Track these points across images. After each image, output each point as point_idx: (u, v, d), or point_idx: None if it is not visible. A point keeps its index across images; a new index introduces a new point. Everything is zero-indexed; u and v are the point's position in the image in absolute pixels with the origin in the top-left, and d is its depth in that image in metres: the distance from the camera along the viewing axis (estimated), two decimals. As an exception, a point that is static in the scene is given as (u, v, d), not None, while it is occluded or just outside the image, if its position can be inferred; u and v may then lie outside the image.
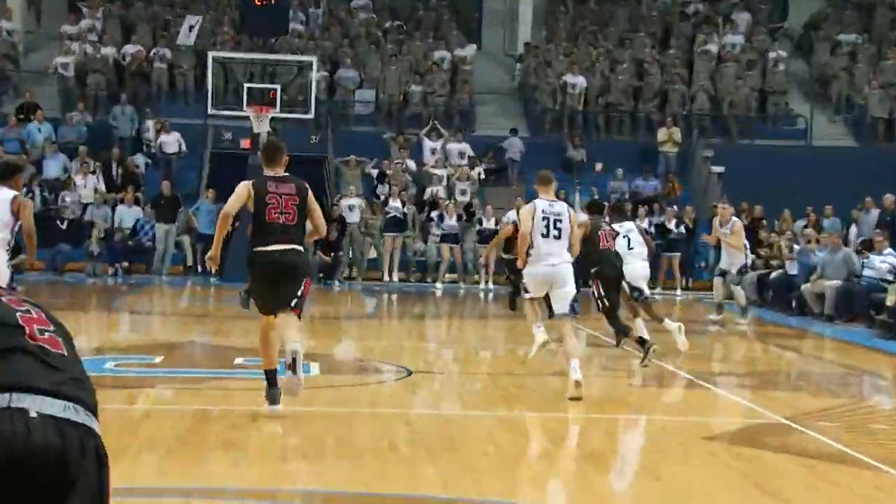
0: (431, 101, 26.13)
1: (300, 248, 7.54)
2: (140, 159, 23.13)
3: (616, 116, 26.60)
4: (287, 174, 7.63)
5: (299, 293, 7.42)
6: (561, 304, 8.83)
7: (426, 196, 22.81)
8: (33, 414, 2.12)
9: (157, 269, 20.94)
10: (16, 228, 9.08)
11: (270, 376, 7.58)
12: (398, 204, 21.43)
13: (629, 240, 11.46)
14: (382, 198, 22.19)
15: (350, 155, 23.12)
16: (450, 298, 19.41)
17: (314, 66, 21.73)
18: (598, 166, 25.19)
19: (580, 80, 26.12)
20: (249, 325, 13.62)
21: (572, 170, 25.13)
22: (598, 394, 9.09)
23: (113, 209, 21.61)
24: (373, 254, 22.05)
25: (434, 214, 21.69)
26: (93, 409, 2.28)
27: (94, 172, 22.20)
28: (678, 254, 21.55)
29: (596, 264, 10.65)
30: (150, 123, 23.80)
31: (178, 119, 24.17)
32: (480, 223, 21.75)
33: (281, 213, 7.43)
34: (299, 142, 23.80)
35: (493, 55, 29.27)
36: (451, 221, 21.24)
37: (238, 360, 10.22)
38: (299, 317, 7.44)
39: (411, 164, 23.47)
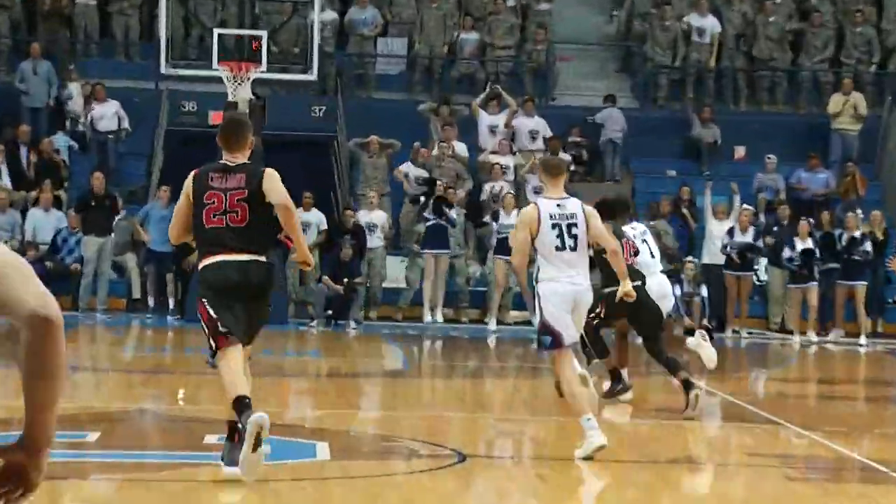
0: (491, 55, 26.30)
1: (261, 258, 8.28)
2: (61, 140, 23.48)
3: (765, 77, 26.62)
4: (245, 162, 8.30)
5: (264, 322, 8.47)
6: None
7: (483, 196, 22.93)
8: None
9: (87, 301, 21.24)
10: None
11: (233, 429, 8.31)
12: (511, 219, 21.44)
13: (648, 245, 12.25)
14: (419, 200, 22.32)
15: (370, 135, 23.28)
16: (514, 344, 19.47)
17: (317, 3, 21.93)
18: (740, 151, 25.21)
19: (710, 24, 26.19)
20: (220, 385, 13.83)
21: (700, 156, 25.17)
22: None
23: (23, 214, 21.91)
24: (402, 281, 22.22)
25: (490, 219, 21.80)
26: None
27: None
28: (863, 283, 21.51)
29: (608, 284, 11.53)
30: (74, 87, 24.11)
31: (117, 81, 24.52)
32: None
33: (224, 214, 8.13)
34: (296, 115, 24.13)
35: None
36: (510, 220, 21.27)
37: (210, 439, 10.35)
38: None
39: (461, 149, 23.62)
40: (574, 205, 9.57)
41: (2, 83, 24.82)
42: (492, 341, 20.22)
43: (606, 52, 28.04)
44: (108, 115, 23.74)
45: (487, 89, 24.83)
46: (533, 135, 24.24)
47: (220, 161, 8.32)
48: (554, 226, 9.39)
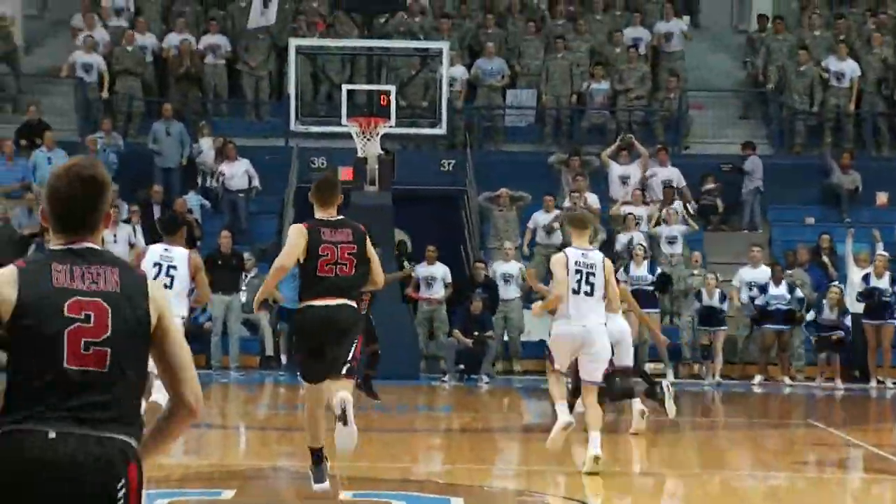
0: (622, 103, 26.25)
1: (353, 303, 9.51)
2: (193, 200, 23.80)
3: (911, 120, 26.25)
4: (342, 217, 9.58)
5: (349, 357, 9.50)
6: (589, 371, 11.26)
7: (617, 247, 22.80)
8: None
9: (219, 359, 21.48)
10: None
11: (316, 455, 9.79)
12: (641, 271, 21.36)
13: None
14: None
15: (500, 188, 23.30)
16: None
17: (445, 57, 22.05)
18: (882, 198, 24.82)
19: (850, 68, 25.89)
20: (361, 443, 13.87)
21: (840, 203, 24.84)
22: None
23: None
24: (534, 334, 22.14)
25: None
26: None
27: (127, 221, 22.97)
28: None
29: None
30: (205, 143, 24.45)
31: (247, 140, 24.83)
32: (699, 295, 21.63)
33: (335, 265, 9.40)
34: (425, 169, 24.25)
35: (714, 33, 29.29)
36: (640, 272, 21.14)
37: (345, 495, 10.38)
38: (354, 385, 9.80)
39: (593, 200, 23.55)
40: (597, 256, 11.23)
41: (136, 145, 25.23)
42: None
43: (738, 99, 27.83)
44: (238, 173, 24.08)
45: (619, 139, 24.76)
46: (667, 184, 24.10)
47: (324, 217, 9.56)
48: (577, 271, 10.99)
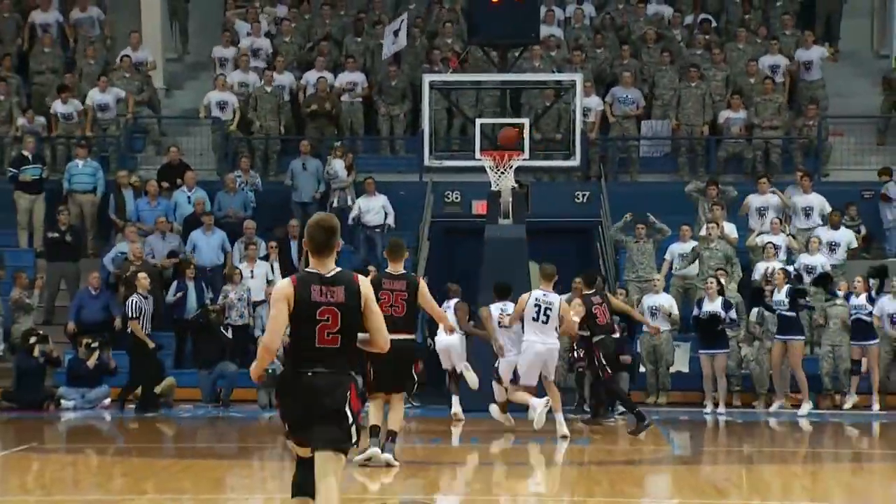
0: (759, 132, 26.01)
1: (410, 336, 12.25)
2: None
3: None
4: (404, 272, 11.70)
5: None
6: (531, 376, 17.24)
7: (755, 276, 22.53)
8: None
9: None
10: None
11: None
12: (714, 307, 21.12)
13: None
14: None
15: (634, 219, 23.10)
16: (791, 428, 19.10)
17: (578, 88, 22.00)
18: None
19: None
20: (492, 474, 13.86)
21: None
22: None
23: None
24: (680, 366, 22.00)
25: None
26: None
27: (265, 258, 23.27)
28: None
29: (594, 335, 18.22)
30: (338, 164, 24.61)
31: (383, 175, 25.03)
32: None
33: (391, 307, 12.11)
34: (560, 201, 24.24)
35: (853, 58, 28.91)
36: (779, 296, 20.82)
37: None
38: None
39: (730, 229, 23.33)
40: (555, 297, 17.18)
41: (272, 183, 25.52)
42: (769, 425, 19.81)
43: (880, 125, 27.37)
44: (375, 208, 24.25)
45: (757, 169, 24.51)
46: (807, 212, 23.80)
47: (386, 270, 12.71)
48: (536, 305, 17.03)
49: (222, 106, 26.26)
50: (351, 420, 8.11)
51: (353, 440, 8.15)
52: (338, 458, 8.09)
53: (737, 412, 21.02)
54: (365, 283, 8.25)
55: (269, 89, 26.37)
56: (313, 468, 8.11)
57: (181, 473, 14.47)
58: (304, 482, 8.22)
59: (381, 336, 8.25)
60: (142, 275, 21.10)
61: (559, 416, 17.02)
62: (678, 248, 22.92)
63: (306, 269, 8.28)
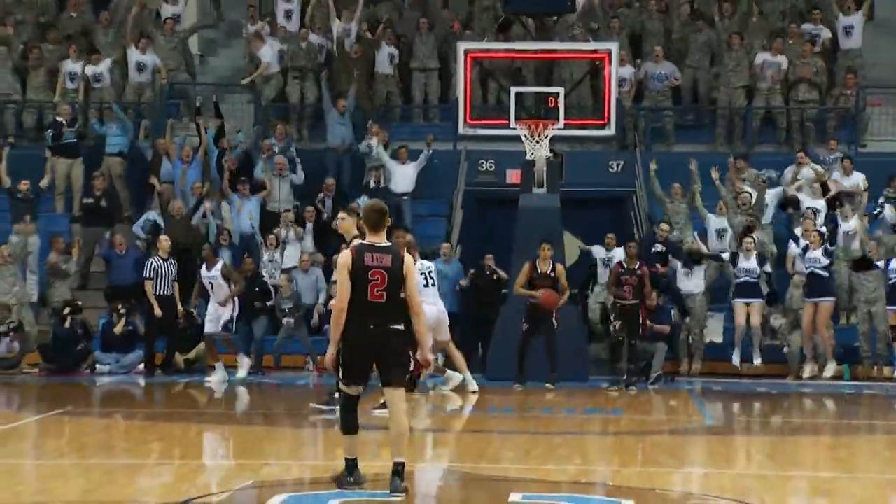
0: (796, 94, 25.75)
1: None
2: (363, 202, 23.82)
3: None
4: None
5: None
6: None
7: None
8: None
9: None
10: None
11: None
12: (750, 263, 21.04)
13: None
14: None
15: (673, 183, 22.98)
16: (831, 400, 19.05)
17: (614, 58, 21.87)
18: None
19: None
20: (525, 443, 13.86)
21: None
22: None
23: (327, 274, 22.40)
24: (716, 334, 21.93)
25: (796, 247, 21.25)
26: None
27: (301, 223, 23.19)
28: None
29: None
30: (374, 141, 24.62)
31: (416, 143, 24.86)
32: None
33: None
34: (594, 171, 24.15)
35: (889, 27, 28.58)
36: (815, 253, 20.69)
37: (514, 497, 10.38)
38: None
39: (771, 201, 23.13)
40: (432, 263, 18.26)
41: (308, 152, 25.37)
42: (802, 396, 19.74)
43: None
44: (405, 175, 24.12)
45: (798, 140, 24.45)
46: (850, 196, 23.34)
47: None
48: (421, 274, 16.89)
49: (257, 63, 26.23)
50: (407, 360, 10.51)
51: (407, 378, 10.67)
52: (401, 392, 10.29)
53: (767, 382, 20.95)
54: (408, 257, 10.34)
55: (304, 45, 26.28)
56: (357, 409, 10.39)
57: (214, 439, 14.52)
58: (353, 422, 10.39)
59: (415, 299, 10.33)
60: (163, 237, 21.19)
61: (467, 375, 18.42)
62: (715, 221, 22.69)
63: (363, 242, 10.36)
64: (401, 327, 10.26)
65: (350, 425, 10.43)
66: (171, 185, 24.03)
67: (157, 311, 20.63)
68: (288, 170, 23.98)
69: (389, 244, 10.31)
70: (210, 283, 20.04)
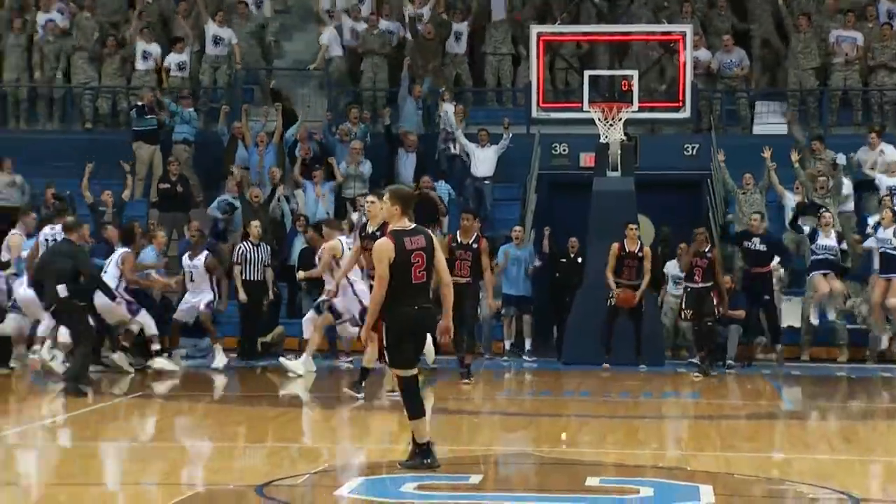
0: (878, 80, 25.45)
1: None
2: (442, 189, 23.86)
3: None
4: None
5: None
6: None
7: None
8: None
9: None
10: None
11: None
12: (829, 241, 20.77)
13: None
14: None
15: (745, 172, 22.75)
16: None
17: (688, 40, 21.73)
18: None
19: None
20: (601, 427, 13.84)
21: None
22: None
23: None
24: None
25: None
26: None
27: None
28: None
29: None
30: (449, 107, 24.44)
31: (489, 127, 24.77)
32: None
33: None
34: (669, 154, 23.99)
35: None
36: (886, 233, 20.45)
37: (591, 482, 10.36)
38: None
39: (847, 184, 22.88)
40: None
41: (377, 135, 25.43)
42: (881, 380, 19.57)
43: None
44: (486, 159, 24.09)
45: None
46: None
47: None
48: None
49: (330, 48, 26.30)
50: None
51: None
52: None
53: (847, 367, 20.79)
54: (430, 233, 10.68)
55: (375, 31, 26.33)
56: (419, 390, 10.66)
57: (292, 423, 14.60)
58: (420, 405, 10.55)
59: (446, 270, 10.76)
60: (254, 223, 21.16)
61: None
62: (793, 201, 22.45)
63: (394, 228, 10.54)
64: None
65: (417, 409, 10.55)
66: (246, 170, 24.20)
67: (242, 297, 20.57)
68: (363, 155, 24.03)
69: (415, 225, 10.59)
70: (191, 272, 20.04)
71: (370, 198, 12.81)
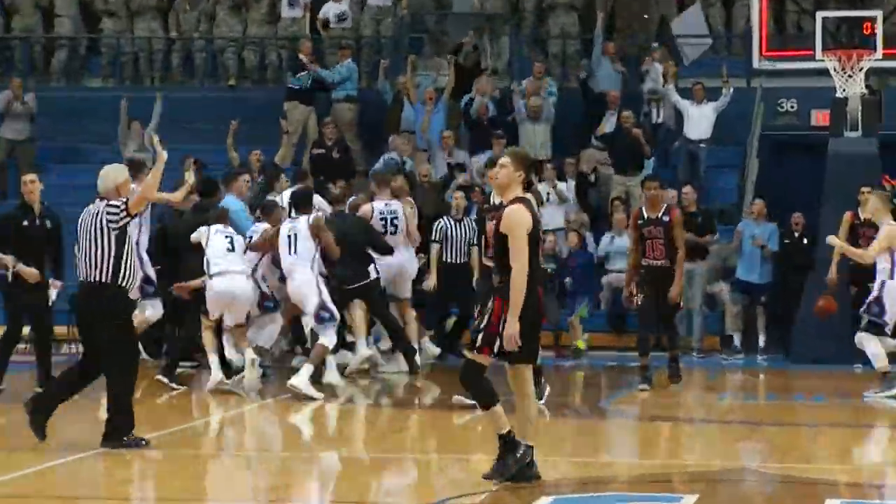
0: None
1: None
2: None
3: None
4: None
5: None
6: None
7: None
8: None
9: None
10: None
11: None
12: None
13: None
14: None
15: None
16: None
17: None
18: None
19: None
20: (841, 438, 13.42)
21: None
22: None
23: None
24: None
25: None
26: None
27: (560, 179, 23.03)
28: None
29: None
30: (657, 67, 24.24)
31: (709, 80, 24.27)
32: None
33: None
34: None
35: None
36: None
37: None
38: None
39: None
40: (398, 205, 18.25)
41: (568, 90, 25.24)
42: None
43: None
44: (704, 116, 23.59)
45: None
46: None
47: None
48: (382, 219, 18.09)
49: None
50: None
51: None
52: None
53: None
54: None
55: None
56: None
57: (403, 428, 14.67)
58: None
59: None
60: (458, 193, 20.41)
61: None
62: None
63: (519, 196, 10.24)
64: None
65: (491, 394, 10.36)
66: (412, 134, 23.89)
67: (432, 282, 19.51)
68: (543, 112, 23.69)
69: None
70: None
71: (502, 160, 11.61)
